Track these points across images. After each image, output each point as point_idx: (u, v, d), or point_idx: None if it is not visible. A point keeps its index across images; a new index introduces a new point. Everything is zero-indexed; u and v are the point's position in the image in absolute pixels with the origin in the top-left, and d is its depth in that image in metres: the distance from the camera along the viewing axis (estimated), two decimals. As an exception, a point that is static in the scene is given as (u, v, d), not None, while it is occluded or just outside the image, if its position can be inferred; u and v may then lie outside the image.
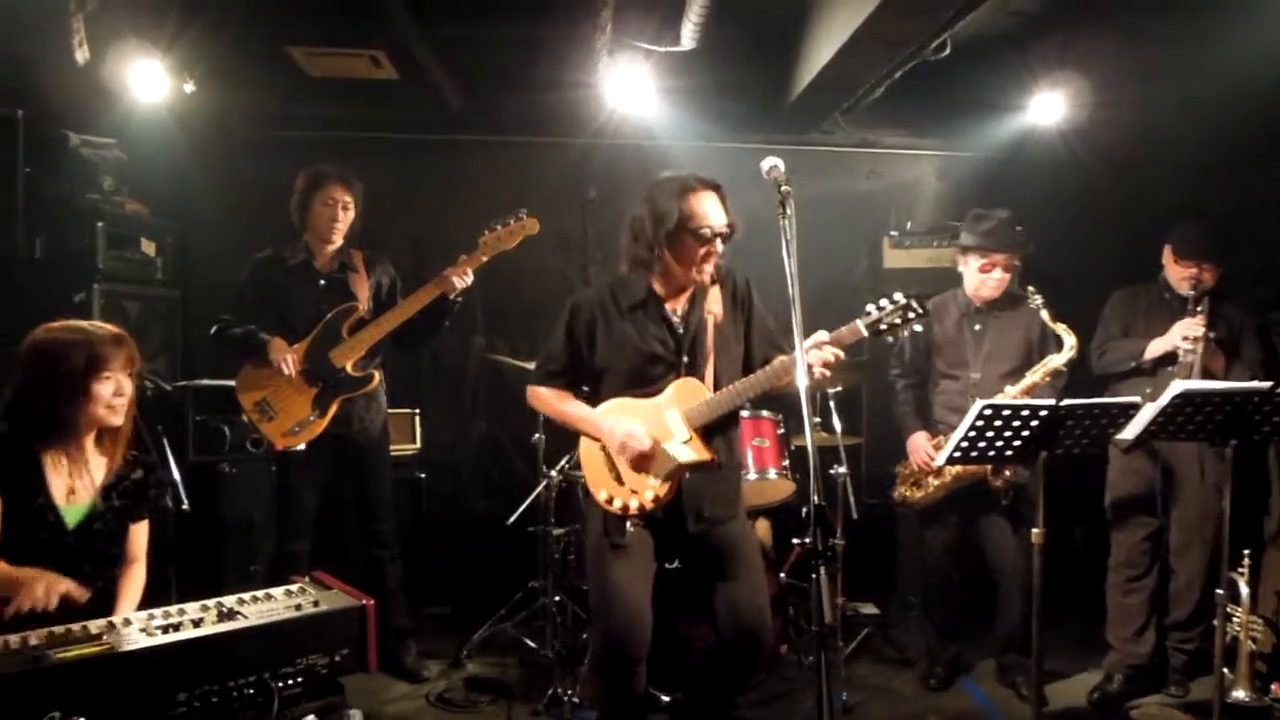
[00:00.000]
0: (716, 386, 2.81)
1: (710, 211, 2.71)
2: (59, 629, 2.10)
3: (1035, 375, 3.65)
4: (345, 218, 3.85)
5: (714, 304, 2.86)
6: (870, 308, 2.66)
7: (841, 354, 2.66)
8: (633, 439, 2.73)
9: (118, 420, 2.54)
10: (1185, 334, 3.59)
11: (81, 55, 3.67)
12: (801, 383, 2.18)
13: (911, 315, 2.64)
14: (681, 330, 2.83)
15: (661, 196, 2.73)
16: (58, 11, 3.57)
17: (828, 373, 2.67)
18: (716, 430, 2.82)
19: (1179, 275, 3.74)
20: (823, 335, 2.66)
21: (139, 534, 2.69)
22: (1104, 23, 4.09)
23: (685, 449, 2.75)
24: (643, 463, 2.76)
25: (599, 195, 5.33)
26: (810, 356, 2.60)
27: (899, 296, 2.63)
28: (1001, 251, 3.73)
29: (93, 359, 2.45)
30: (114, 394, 2.50)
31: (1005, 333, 3.81)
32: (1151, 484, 3.78)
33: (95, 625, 2.12)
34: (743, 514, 2.96)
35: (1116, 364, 3.81)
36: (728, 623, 2.78)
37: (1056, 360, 3.63)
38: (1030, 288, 3.68)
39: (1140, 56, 4.18)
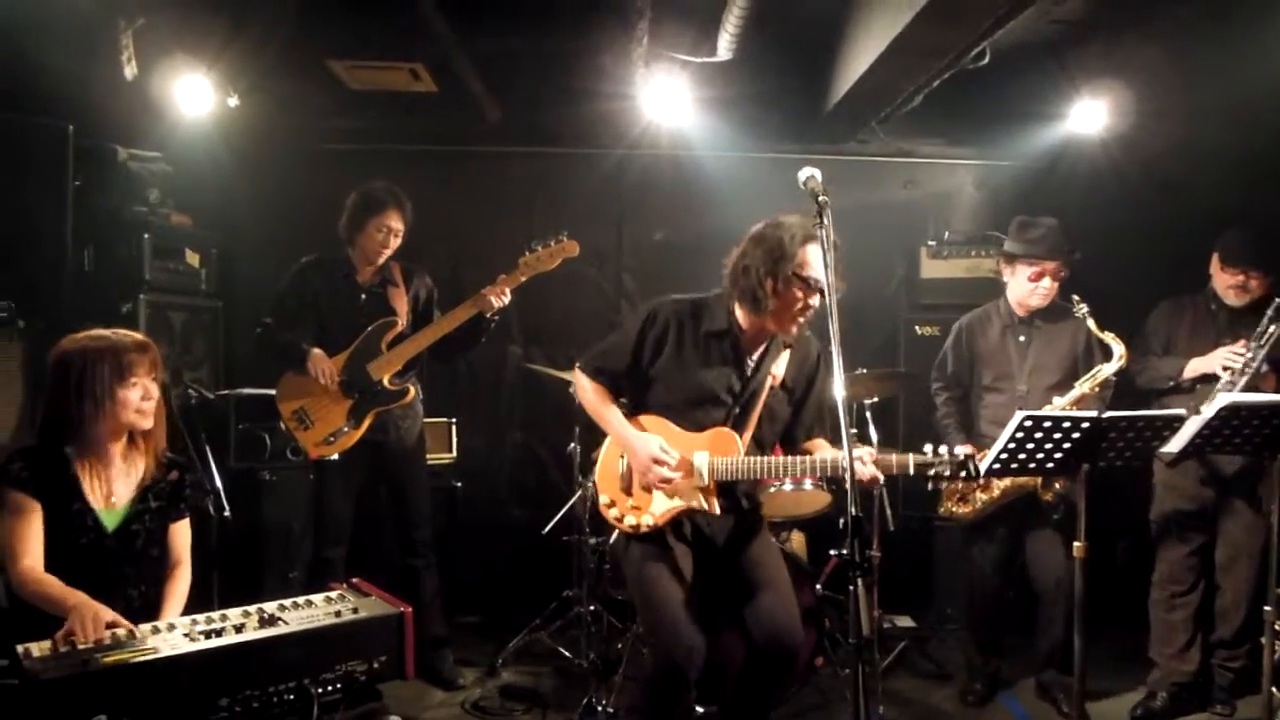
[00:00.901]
0: (753, 447, 2.83)
1: (817, 263, 2.67)
2: (106, 633, 2.13)
3: (1084, 386, 3.58)
4: (394, 243, 3.89)
5: (779, 365, 2.87)
6: (928, 449, 2.66)
7: (880, 477, 2.67)
8: (661, 466, 2.73)
9: (147, 424, 2.59)
10: (1226, 363, 3.52)
11: (130, 71, 3.76)
12: (839, 394, 2.17)
13: (963, 475, 2.64)
14: (747, 376, 2.84)
15: (785, 236, 2.68)
16: (107, 28, 3.65)
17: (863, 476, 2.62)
18: (739, 484, 2.85)
19: (1226, 283, 3.68)
20: (869, 453, 2.65)
21: (180, 535, 2.73)
22: (1147, 30, 4.03)
23: (698, 495, 2.78)
24: (659, 486, 2.77)
25: (634, 206, 5.35)
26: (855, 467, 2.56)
27: (960, 452, 2.64)
28: (1052, 259, 3.68)
29: (119, 366, 2.51)
30: (142, 398, 2.55)
31: (1051, 344, 3.75)
32: (1197, 498, 3.71)
33: (140, 630, 2.16)
34: (765, 536, 2.97)
35: (1153, 383, 3.76)
36: (761, 637, 2.77)
37: (1106, 370, 3.56)
38: (1075, 297, 3.62)
39: (1185, 64, 4.12)
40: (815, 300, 2.71)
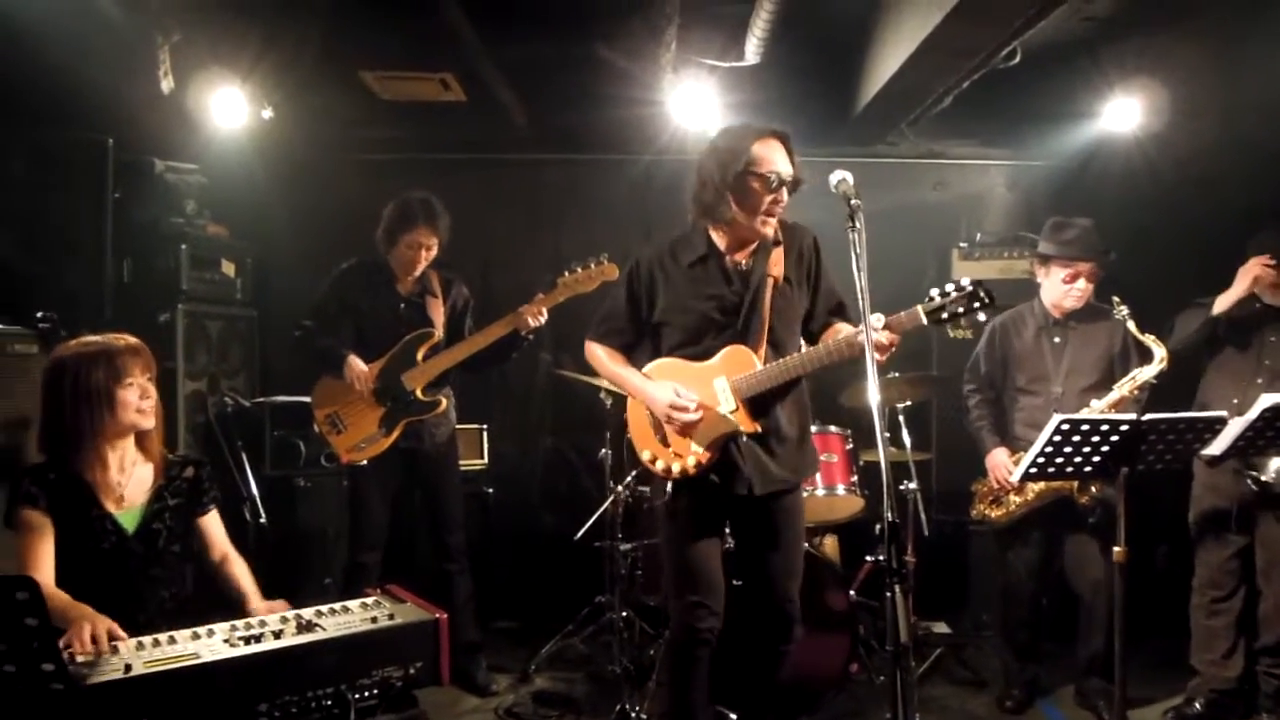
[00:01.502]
0: (775, 352, 2.77)
1: (777, 158, 2.68)
2: (147, 639, 2.17)
3: (1123, 389, 3.52)
4: (427, 257, 3.91)
5: (776, 265, 2.81)
6: (933, 292, 2.51)
7: (896, 339, 2.55)
8: (676, 407, 2.73)
9: (149, 423, 2.60)
10: (1258, 273, 3.44)
11: (167, 85, 3.82)
12: (874, 399, 2.15)
13: (977, 304, 2.47)
14: (741, 286, 2.79)
15: (730, 140, 2.70)
16: (145, 44, 3.72)
17: (880, 357, 2.52)
18: (771, 399, 2.78)
19: (1262, 282, 3.61)
20: (879, 319, 2.55)
21: (212, 527, 2.74)
22: (1183, 26, 3.98)
23: (729, 418, 2.73)
24: (687, 428, 2.76)
25: (663, 211, 5.35)
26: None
27: (965, 282, 2.48)
28: (1087, 260, 3.62)
29: (113, 368, 2.51)
30: (140, 398, 2.56)
31: (1086, 346, 3.70)
32: (1237, 500, 3.63)
33: (180, 635, 2.19)
34: (799, 490, 2.94)
35: (1189, 336, 3.62)
36: (762, 593, 2.84)
37: (1146, 373, 3.49)
38: (1116, 298, 3.55)
39: (1221, 60, 4.06)
40: (783, 194, 2.68)
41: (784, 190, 2.68)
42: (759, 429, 2.75)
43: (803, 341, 2.89)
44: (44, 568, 2.42)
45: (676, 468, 2.81)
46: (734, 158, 2.66)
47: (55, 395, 2.52)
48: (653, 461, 2.88)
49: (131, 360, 2.55)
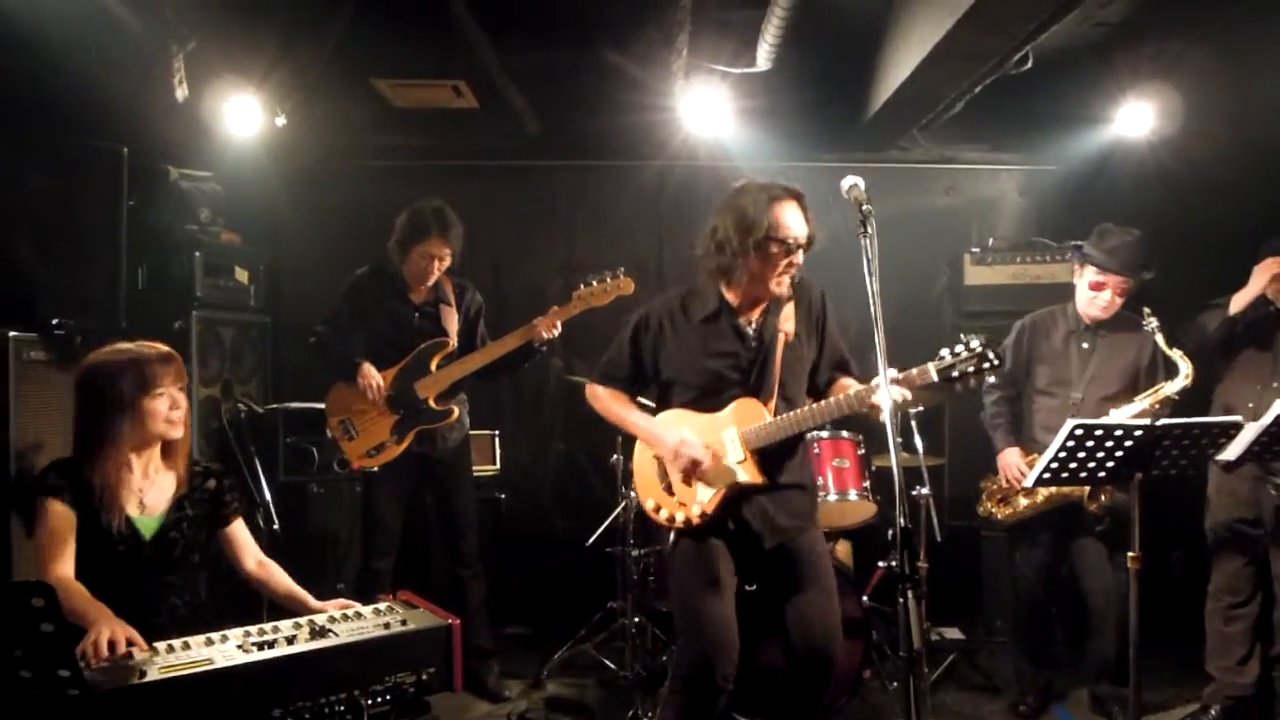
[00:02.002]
0: (783, 405, 2.77)
1: (794, 222, 2.69)
2: (161, 645, 2.17)
3: (1145, 402, 3.48)
4: (440, 267, 3.91)
5: (787, 320, 2.83)
6: (944, 352, 2.54)
7: (909, 395, 2.57)
8: (686, 446, 2.72)
9: (178, 433, 2.61)
10: (1276, 270, 3.41)
11: (181, 93, 3.85)
12: (885, 403, 2.15)
13: (985, 365, 2.51)
14: (754, 345, 2.80)
15: (750, 204, 2.68)
16: (160, 51, 3.75)
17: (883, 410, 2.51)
18: (778, 451, 2.79)
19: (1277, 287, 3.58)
20: (893, 374, 2.54)
21: (240, 536, 2.75)
22: (1196, 30, 3.97)
23: (738, 470, 2.74)
24: (693, 475, 2.75)
25: (674, 218, 5.36)
26: (879, 393, 2.50)
27: (975, 344, 2.51)
28: (1118, 274, 3.58)
29: (143, 378, 2.52)
30: (170, 408, 2.57)
31: (1114, 355, 3.66)
32: (1253, 505, 3.61)
33: (195, 641, 2.19)
34: (816, 528, 2.93)
35: (1206, 334, 3.61)
36: (798, 638, 2.76)
37: (1170, 388, 3.46)
38: (1146, 310, 3.51)
39: (1236, 64, 4.04)
40: (799, 257, 2.69)
41: (799, 253, 2.70)
42: (765, 481, 2.75)
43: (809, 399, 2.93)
44: (63, 558, 2.44)
45: (680, 517, 2.81)
46: (754, 224, 2.65)
47: (86, 401, 2.55)
48: (656, 510, 2.88)
49: (162, 370, 2.56)
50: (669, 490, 2.85)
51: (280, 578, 2.70)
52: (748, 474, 2.74)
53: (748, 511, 2.79)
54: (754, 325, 2.82)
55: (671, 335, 2.84)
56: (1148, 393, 3.51)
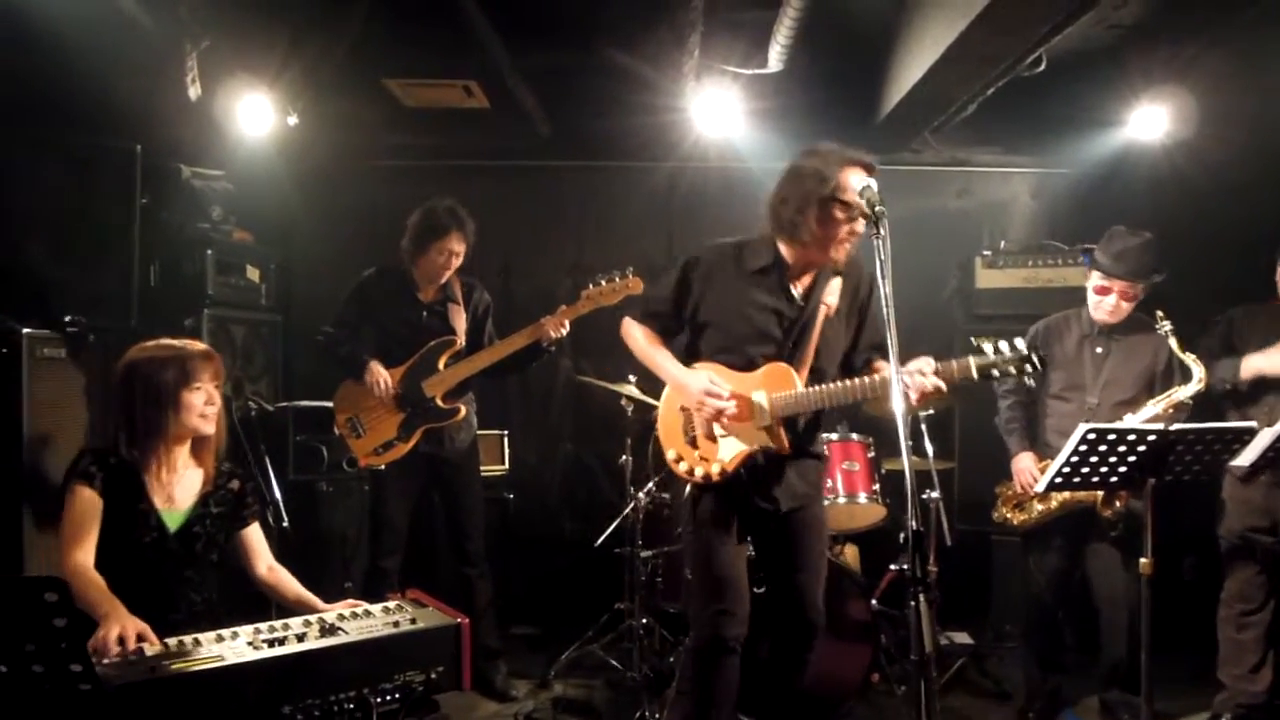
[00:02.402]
0: (812, 378, 2.75)
1: (858, 187, 2.61)
2: (173, 641, 2.18)
3: (1158, 406, 3.45)
4: (455, 264, 3.92)
5: (831, 294, 2.81)
6: (987, 348, 2.51)
7: (944, 387, 2.54)
8: (711, 394, 2.69)
9: (210, 428, 2.66)
10: None
11: (194, 92, 3.87)
12: (898, 407, 2.14)
13: (1028, 369, 2.49)
14: (798, 308, 2.78)
15: (819, 162, 2.65)
16: (173, 51, 3.76)
17: (915, 399, 2.54)
18: (804, 419, 2.80)
19: None
20: (929, 363, 2.54)
21: (255, 539, 2.79)
22: (1210, 33, 3.95)
23: (763, 434, 2.72)
24: (720, 424, 2.75)
25: (684, 219, 5.36)
26: (913, 380, 2.50)
27: (1021, 345, 2.50)
28: (1121, 279, 3.56)
29: (184, 372, 2.59)
30: (205, 403, 2.63)
31: (1129, 359, 3.63)
32: (1267, 512, 3.58)
33: (205, 638, 2.20)
34: (820, 501, 2.95)
35: (1208, 387, 3.57)
36: (789, 609, 2.83)
37: (1183, 393, 3.42)
38: (1159, 313, 3.48)
39: (1250, 68, 4.02)
40: (860, 225, 2.64)
41: (861, 222, 2.64)
42: (789, 449, 2.74)
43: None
44: (85, 545, 2.47)
45: (700, 472, 2.80)
46: (822, 181, 2.62)
47: (127, 391, 2.59)
48: (677, 461, 2.87)
49: (202, 365, 2.63)
50: (692, 443, 2.84)
51: (290, 583, 2.72)
52: (773, 440, 2.73)
53: (766, 474, 2.79)
54: (802, 288, 2.81)
55: (721, 279, 2.82)
56: (1161, 397, 3.48)
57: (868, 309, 2.89)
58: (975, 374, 2.52)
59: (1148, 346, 3.62)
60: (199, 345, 2.70)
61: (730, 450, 2.76)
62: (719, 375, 2.78)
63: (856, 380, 2.66)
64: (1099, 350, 3.68)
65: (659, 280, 2.96)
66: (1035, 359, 2.47)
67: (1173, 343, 3.44)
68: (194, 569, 2.65)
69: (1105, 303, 3.60)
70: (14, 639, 1.76)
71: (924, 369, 2.53)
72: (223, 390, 2.71)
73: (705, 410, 2.73)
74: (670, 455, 2.89)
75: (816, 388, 2.68)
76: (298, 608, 2.63)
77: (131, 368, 2.61)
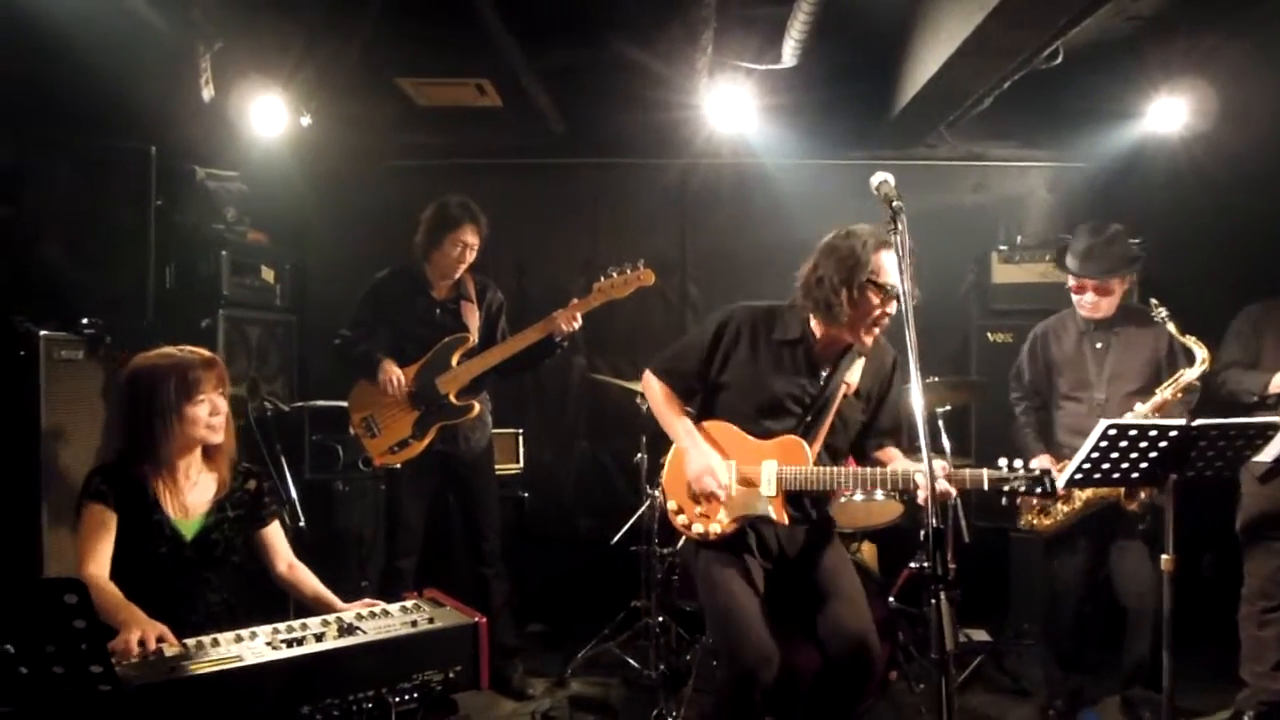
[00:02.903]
0: (825, 454, 2.81)
1: (893, 270, 2.65)
2: (191, 641, 2.19)
3: (1166, 392, 3.46)
4: (470, 258, 3.93)
5: (854, 374, 2.84)
6: (1002, 463, 2.58)
7: (953, 492, 2.59)
8: (707, 480, 2.74)
9: (218, 438, 2.64)
10: None
11: (208, 93, 3.87)
12: (917, 404, 2.12)
13: (1039, 490, 2.55)
14: (821, 385, 2.81)
15: (859, 245, 2.67)
16: (187, 52, 3.77)
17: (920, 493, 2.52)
18: (809, 497, 2.84)
19: None
20: (942, 466, 2.56)
21: (275, 538, 2.78)
22: (1230, 24, 3.90)
23: (766, 503, 2.76)
24: (710, 499, 2.78)
25: (698, 215, 5.35)
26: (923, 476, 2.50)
27: (1035, 466, 2.57)
28: (1087, 278, 3.58)
29: (185, 384, 2.55)
30: (210, 414, 2.60)
31: (1130, 350, 3.64)
32: None
33: (224, 638, 2.21)
34: (836, 546, 2.93)
35: (1238, 396, 3.61)
36: (833, 643, 2.73)
37: (1189, 375, 3.44)
38: (1154, 300, 3.50)
39: (1271, 59, 3.97)
40: (891, 308, 2.68)
41: (892, 304, 2.68)
42: (788, 524, 2.78)
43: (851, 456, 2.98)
44: (99, 558, 2.46)
45: (697, 528, 2.83)
46: (861, 265, 2.64)
47: (129, 405, 2.58)
48: (676, 514, 2.90)
49: (204, 375, 2.59)
50: (694, 499, 2.85)
51: (309, 580, 2.72)
52: (774, 511, 2.76)
53: (769, 534, 2.84)
54: (826, 368, 2.84)
55: (748, 345, 2.84)
56: (1168, 382, 3.49)
57: (887, 395, 2.92)
58: (986, 485, 2.59)
59: (1147, 335, 3.62)
60: (201, 353, 2.66)
61: (733, 513, 2.79)
62: (734, 441, 2.82)
63: (866, 470, 2.73)
64: (1099, 345, 3.67)
65: (688, 338, 2.99)
66: (1048, 482, 2.54)
67: (1171, 328, 3.46)
68: (212, 571, 2.65)
69: (1084, 301, 3.63)
70: (35, 640, 1.76)
71: (937, 472, 2.49)
72: (228, 394, 2.68)
73: (698, 488, 2.78)
74: (671, 506, 2.92)
75: (826, 468, 2.74)
76: (316, 605, 2.63)
77: (133, 381, 2.58)
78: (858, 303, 2.67)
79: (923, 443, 2.08)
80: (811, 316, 2.80)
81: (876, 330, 2.74)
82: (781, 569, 2.85)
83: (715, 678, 2.96)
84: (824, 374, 2.82)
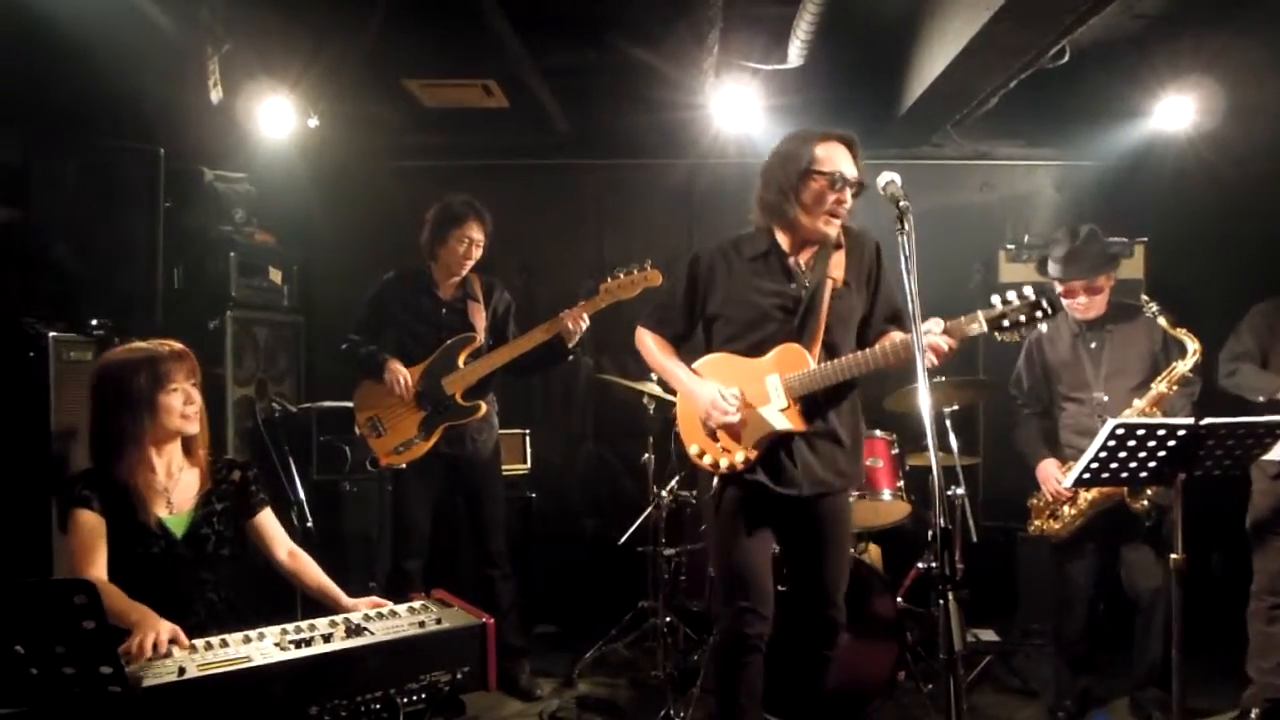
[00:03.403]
0: (828, 353, 2.75)
1: (840, 160, 2.69)
2: (199, 642, 2.20)
3: (1161, 385, 3.47)
4: (476, 254, 3.93)
5: (837, 268, 2.80)
6: (995, 299, 2.48)
7: (955, 344, 2.53)
8: (717, 407, 2.73)
9: (193, 428, 2.61)
10: None
11: (216, 95, 3.88)
12: (924, 403, 2.11)
13: (1039, 313, 2.42)
14: (801, 285, 2.78)
15: (793, 142, 2.73)
16: (195, 54, 3.78)
17: (936, 361, 2.53)
18: (823, 401, 2.76)
19: None
20: (938, 323, 2.54)
21: (269, 526, 2.74)
22: (1237, 22, 3.89)
23: (780, 416, 2.71)
24: (729, 428, 2.76)
25: (704, 215, 5.35)
26: (925, 340, 2.46)
27: (1028, 291, 2.45)
28: (1077, 279, 3.58)
29: (155, 374, 2.52)
30: (184, 403, 2.57)
31: (1125, 346, 3.63)
32: None
33: (232, 639, 2.21)
34: (845, 493, 2.91)
35: (1243, 392, 3.58)
36: (810, 606, 2.82)
37: (1182, 367, 3.44)
38: (1144, 296, 3.50)
39: (1278, 57, 3.95)
40: (846, 195, 2.69)
41: (847, 191, 2.69)
42: (807, 429, 2.73)
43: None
44: (97, 563, 2.44)
45: (724, 463, 2.80)
46: (797, 158, 2.69)
47: (100, 401, 2.55)
48: (700, 456, 2.87)
49: (175, 366, 2.56)
50: (713, 435, 2.83)
51: (312, 570, 2.70)
52: (790, 421, 2.71)
53: (788, 459, 2.76)
54: (803, 266, 2.81)
55: (724, 270, 2.85)
56: (1162, 375, 3.49)
57: (878, 279, 2.88)
58: (984, 325, 2.49)
59: (1140, 330, 3.62)
60: (171, 345, 2.63)
61: (752, 436, 2.75)
62: (733, 367, 2.79)
63: (870, 350, 2.65)
64: (1093, 345, 3.68)
65: (666, 287, 3.01)
66: (1046, 302, 2.42)
67: (1162, 321, 3.47)
68: (209, 570, 2.63)
69: (1076, 304, 3.64)
70: (44, 641, 1.77)
71: (933, 329, 2.52)
72: (200, 385, 2.64)
73: (711, 420, 2.78)
74: (693, 450, 2.89)
75: (829, 362, 2.68)
76: (319, 596, 2.62)
77: (102, 375, 2.56)
78: (804, 196, 2.69)
79: (929, 441, 2.07)
80: (774, 227, 2.81)
81: (835, 219, 2.72)
82: (791, 513, 2.82)
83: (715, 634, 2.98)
84: (802, 274, 2.80)
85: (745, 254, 2.83)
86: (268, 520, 2.75)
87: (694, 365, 2.91)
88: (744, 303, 2.80)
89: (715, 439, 2.83)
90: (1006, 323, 2.46)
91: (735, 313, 2.82)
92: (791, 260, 2.80)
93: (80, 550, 2.44)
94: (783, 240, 2.81)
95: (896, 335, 2.76)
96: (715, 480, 2.86)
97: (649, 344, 2.98)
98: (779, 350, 2.75)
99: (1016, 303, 2.45)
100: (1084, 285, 3.60)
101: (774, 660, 2.85)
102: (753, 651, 2.77)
